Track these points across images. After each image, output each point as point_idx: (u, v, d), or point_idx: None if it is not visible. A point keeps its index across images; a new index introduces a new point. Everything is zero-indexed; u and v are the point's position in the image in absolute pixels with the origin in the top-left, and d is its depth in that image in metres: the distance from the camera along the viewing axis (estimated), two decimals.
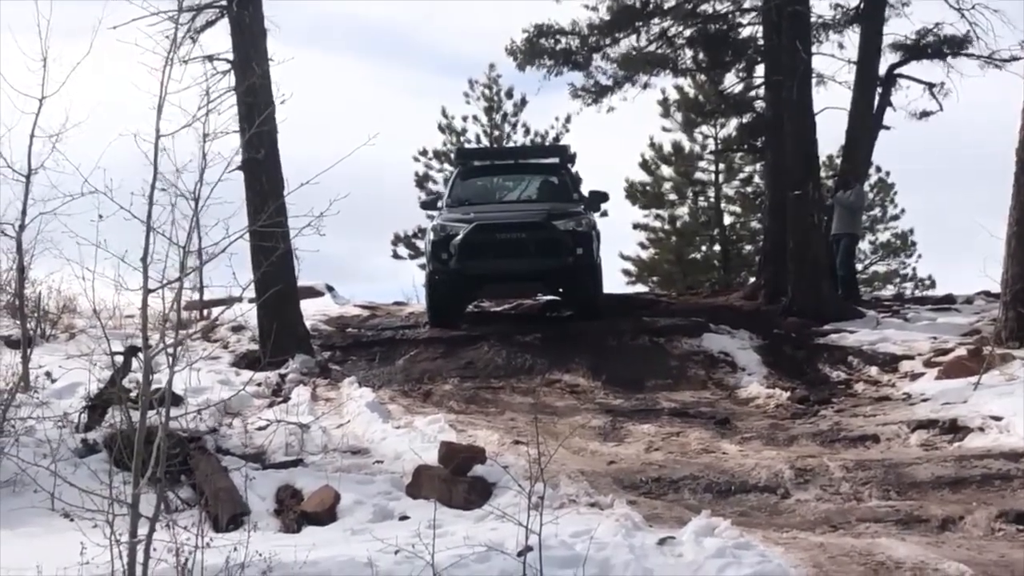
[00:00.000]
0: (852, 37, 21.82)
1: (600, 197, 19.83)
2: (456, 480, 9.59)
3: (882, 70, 21.44)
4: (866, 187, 21.03)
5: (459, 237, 17.57)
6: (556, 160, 20.78)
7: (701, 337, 17.01)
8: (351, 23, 68.35)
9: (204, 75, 15.07)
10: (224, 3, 15.79)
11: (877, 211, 36.36)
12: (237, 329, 16.73)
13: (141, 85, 6.93)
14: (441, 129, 35.67)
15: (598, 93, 23.41)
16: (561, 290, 18.81)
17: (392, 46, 67.78)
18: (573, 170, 20.39)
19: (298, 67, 14.03)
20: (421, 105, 60.98)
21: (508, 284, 18.57)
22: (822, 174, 21.34)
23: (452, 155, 30.09)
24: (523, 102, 35.52)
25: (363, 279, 57.40)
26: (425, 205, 20.40)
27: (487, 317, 19.81)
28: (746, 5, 23.08)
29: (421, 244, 30.07)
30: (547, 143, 33.87)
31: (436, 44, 69.52)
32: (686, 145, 35.23)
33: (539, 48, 22.74)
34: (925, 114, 22.23)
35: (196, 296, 15.78)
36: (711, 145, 34.55)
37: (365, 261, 48.41)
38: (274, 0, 16.25)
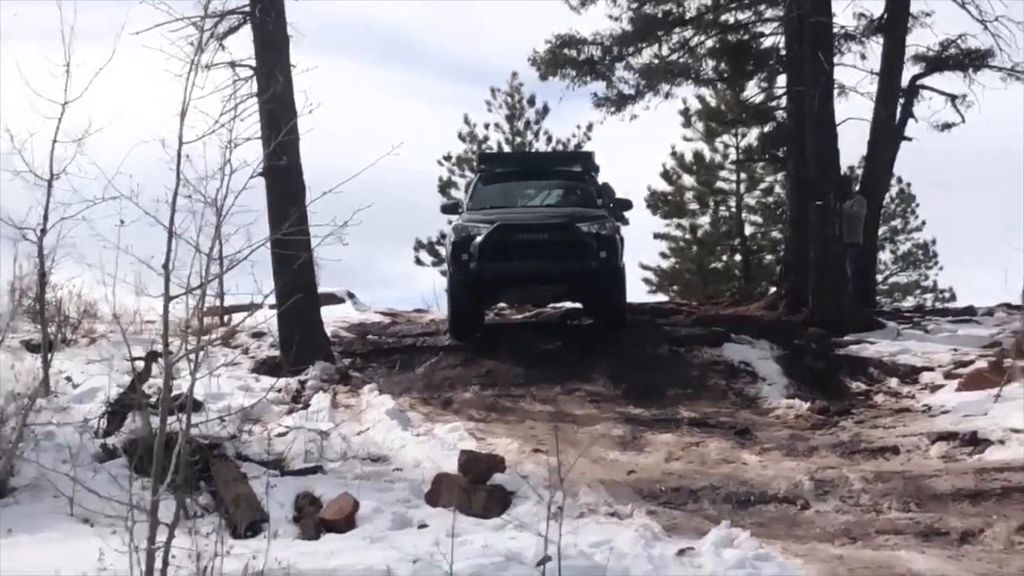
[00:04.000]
0: (875, 48, 21.77)
1: (624, 205, 19.53)
2: (475, 488, 9.59)
3: (904, 81, 21.41)
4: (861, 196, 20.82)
5: (480, 238, 17.01)
6: (579, 167, 20.42)
7: (722, 347, 16.95)
8: (360, 24, 68.42)
9: (227, 82, 15.21)
10: (247, 9, 15.76)
11: (898, 222, 36.32)
12: (257, 335, 16.73)
13: (164, 90, 6.96)
14: (462, 138, 35.66)
15: (620, 102, 23.43)
16: (583, 296, 18.48)
17: (403, 50, 67.86)
18: (600, 180, 19.86)
19: (316, 72, 13.86)
20: (431, 109, 60.95)
21: (530, 287, 18.16)
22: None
23: (474, 160, 30.04)
24: (545, 110, 35.60)
25: (379, 284, 57.43)
26: (445, 209, 20.10)
27: (507, 326, 19.78)
28: (768, 15, 23.11)
29: (443, 250, 29.97)
30: (569, 151, 33.80)
31: (448, 48, 69.56)
32: (707, 155, 35.26)
33: (562, 58, 22.80)
34: (947, 126, 22.22)
35: (217, 302, 15.80)
36: (732, 155, 34.55)
37: (381, 266, 48.35)
38: (292, 4, 16.04)
